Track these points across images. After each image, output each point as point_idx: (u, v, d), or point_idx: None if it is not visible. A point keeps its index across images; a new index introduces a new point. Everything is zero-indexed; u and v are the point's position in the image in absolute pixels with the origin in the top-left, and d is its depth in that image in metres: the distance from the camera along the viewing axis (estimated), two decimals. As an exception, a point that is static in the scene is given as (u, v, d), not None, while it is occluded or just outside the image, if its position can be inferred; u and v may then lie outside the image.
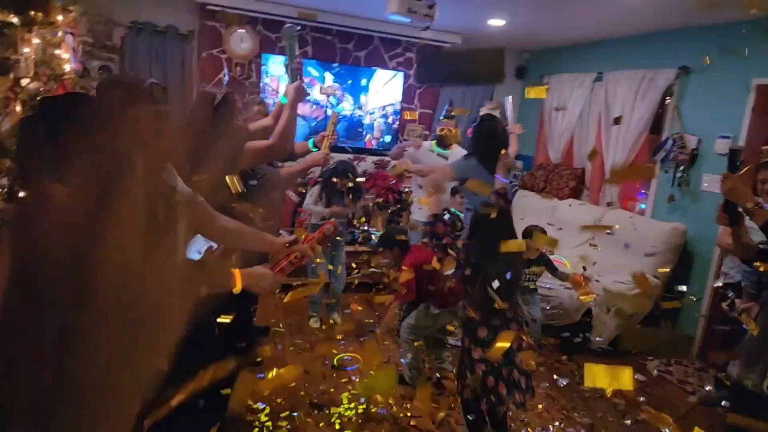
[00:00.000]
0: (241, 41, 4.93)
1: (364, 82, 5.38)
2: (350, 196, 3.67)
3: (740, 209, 2.05)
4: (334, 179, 3.50)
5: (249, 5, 4.71)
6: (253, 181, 2.22)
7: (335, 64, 5.27)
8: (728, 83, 3.68)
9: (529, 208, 5.35)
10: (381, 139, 5.56)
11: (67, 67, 2.32)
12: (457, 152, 3.69)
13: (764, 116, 3.47)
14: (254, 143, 2.09)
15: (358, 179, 3.79)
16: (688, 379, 3.54)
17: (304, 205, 3.79)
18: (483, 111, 3.94)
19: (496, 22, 4.57)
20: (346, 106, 5.37)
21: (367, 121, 5.49)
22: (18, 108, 2.12)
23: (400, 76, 5.50)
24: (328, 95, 5.05)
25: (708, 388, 3.34)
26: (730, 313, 2.99)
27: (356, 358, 3.34)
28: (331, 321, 3.87)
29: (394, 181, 5.26)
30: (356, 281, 4.18)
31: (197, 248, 1.42)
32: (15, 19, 2.05)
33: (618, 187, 4.61)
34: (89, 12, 2.47)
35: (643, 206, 4.45)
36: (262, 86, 5.06)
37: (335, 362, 3.31)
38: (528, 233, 3.22)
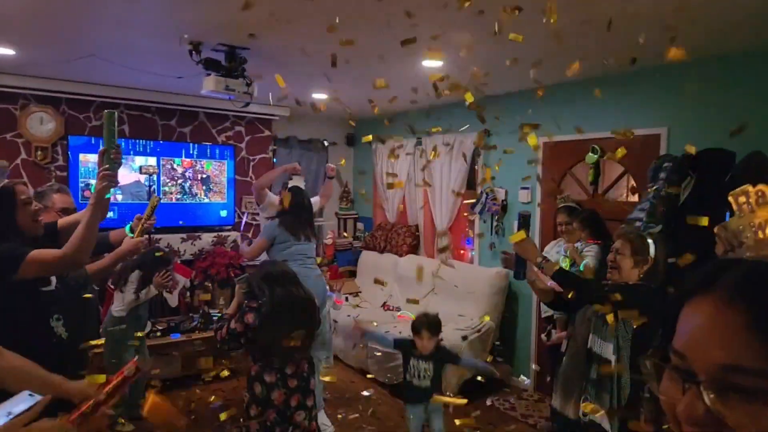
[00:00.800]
0: (41, 123, 4.42)
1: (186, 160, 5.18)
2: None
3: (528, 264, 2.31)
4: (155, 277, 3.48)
5: (51, 86, 4.30)
6: (48, 287, 1.90)
7: (153, 142, 4.99)
8: (521, 143, 4.34)
9: (373, 266, 5.59)
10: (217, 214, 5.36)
11: None
12: None
13: (552, 167, 4.14)
14: (42, 252, 1.74)
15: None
16: (530, 412, 3.87)
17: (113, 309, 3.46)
18: (291, 184, 4.21)
19: (320, 96, 4.84)
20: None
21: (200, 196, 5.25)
22: None
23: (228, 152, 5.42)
24: (149, 174, 4.74)
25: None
26: (547, 342, 3.44)
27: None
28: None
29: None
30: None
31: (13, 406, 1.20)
32: None
33: (447, 239, 5.08)
34: None
35: (473, 253, 4.96)
36: (72, 170, 4.55)
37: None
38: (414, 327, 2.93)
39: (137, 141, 4.88)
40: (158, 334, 4.20)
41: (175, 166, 5.09)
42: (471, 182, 4.90)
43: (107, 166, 1.82)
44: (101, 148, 1.86)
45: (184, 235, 5.02)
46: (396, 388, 3.88)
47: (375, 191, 6.07)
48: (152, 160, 4.93)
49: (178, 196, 5.12)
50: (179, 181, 5.12)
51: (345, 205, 6.52)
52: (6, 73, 4.10)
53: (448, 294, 4.58)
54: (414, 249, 5.45)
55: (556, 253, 3.47)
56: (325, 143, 6.29)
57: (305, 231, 3.65)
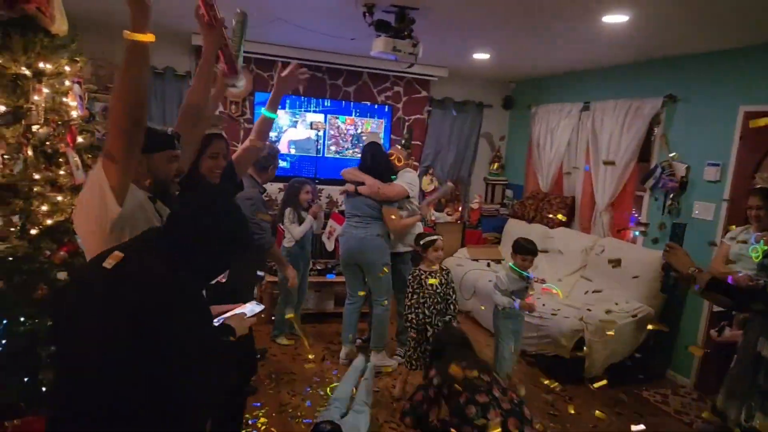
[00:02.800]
0: (238, 82, 5.02)
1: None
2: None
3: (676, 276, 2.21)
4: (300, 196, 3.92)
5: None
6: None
7: (322, 100, 5.40)
8: (715, 111, 3.78)
9: (519, 235, 5.44)
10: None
11: (74, 114, 2.36)
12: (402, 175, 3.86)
13: (752, 143, 3.54)
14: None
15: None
16: (686, 409, 3.55)
17: (284, 225, 3.97)
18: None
19: (481, 56, 4.74)
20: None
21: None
22: (30, 152, 2.16)
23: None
24: (318, 130, 5.16)
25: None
26: (717, 338, 3.06)
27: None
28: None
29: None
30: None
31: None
32: (27, 71, 2.10)
33: (609, 215, 4.72)
34: (93, 57, 2.52)
35: (636, 233, 4.54)
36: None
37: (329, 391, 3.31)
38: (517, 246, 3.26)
39: (309, 99, 5.33)
40: (315, 272, 4.68)
41: (339, 123, 5.49)
42: (645, 154, 4.44)
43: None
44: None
45: (341, 188, 5.43)
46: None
47: (529, 157, 5.83)
48: (320, 117, 5.36)
49: (340, 151, 5.52)
50: (342, 137, 5.52)
51: (495, 171, 6.39)
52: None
53: (602, 273, 4.31)
54: (567, 222, 5.17)
55: (743, 241, 3.03)
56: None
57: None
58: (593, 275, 4.43)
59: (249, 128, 5.14)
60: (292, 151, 5.36)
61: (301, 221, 3.92)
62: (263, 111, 2.35)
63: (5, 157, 2.10)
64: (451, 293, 3.27)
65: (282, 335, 4.12)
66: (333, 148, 5.53)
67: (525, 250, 3.20)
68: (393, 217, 3.61)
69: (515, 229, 5.57)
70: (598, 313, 3.79)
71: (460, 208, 5.96)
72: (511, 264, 3.26)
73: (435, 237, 3.31)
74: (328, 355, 3.93)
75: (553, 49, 4.27)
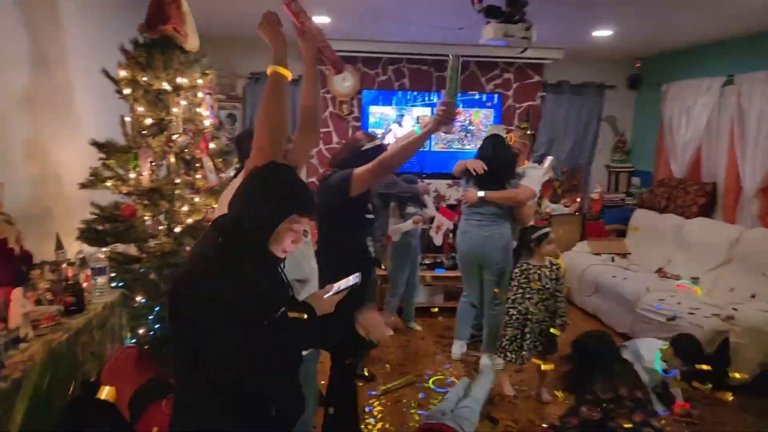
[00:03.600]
0: (343, 80, 5.21)
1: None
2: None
3: None
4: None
5: (350, 47, 4.98)
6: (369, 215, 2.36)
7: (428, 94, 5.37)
8: None
9: (649, 228, 4.98)
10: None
11: (206, 122, 2.61)
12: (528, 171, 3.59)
13: None
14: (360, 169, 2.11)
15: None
16: None
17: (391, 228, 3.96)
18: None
19: (603, 33, 4.38)
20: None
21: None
22: (172, 159, 2.43)
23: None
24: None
25: None
26: None
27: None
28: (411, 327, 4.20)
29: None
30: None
31: None
32: (168, 86, 2.36)
33: (758, 203, 4.12)
34: (216, 68, 2.76)
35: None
36: (364, 121, 5.29)
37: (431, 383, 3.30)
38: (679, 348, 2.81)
39: (415, 93, 5.34)
40: (424, 267, 4.70)
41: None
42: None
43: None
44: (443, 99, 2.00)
45: (449, 182, 5.38)
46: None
47: (661, 142, 5.29)
48: (427, 111, 5.34)
49: (446, 144, 5.46)
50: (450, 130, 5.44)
51: (619, 157, 5.89)
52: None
53: (751, 268, 3.78)
54: (707, 211, 4.61)
55: None
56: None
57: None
58: (740, 271, 3.90)
59: (356, 126, 5.30)
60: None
61: (404, 217, 3.91)
62: (417, 129, 2.50)
63: (152, 164, 2.39)
64: (561, 290, 3.08)
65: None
66: (440, 141, 5.47)
67: (688, 358, 2.73)
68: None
69: (644, 219, 5.09)
70: (746, 314, 3.34)
71: (578, 199, 5.59)
72: (659, 354, 2.85)
73: (547, 229, 3.12)
74: (439, 349, 3.93)
75: (690, 18, 3.80)
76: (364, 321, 1.59)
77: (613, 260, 4.82)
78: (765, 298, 3.52)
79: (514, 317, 3.08)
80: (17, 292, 1.70)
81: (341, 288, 1.46)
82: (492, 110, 5.47)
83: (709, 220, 4.49)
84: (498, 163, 3.38)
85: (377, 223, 3.68)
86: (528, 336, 3.04)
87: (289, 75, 1.58)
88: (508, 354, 3.10)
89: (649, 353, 2.89)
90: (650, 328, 3.73)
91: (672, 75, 5.14)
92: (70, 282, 1.93)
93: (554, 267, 3.10)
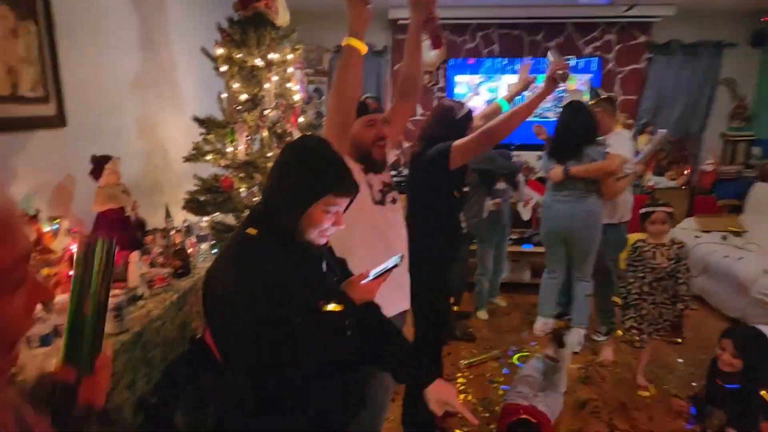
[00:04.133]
0: (428, 49, 5.08)
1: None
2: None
3: None
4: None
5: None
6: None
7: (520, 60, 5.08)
8: None
9: (770, 203, 4.45)
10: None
11: (296, 97, 2.69)
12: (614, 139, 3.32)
13: None
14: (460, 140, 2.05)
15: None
16: None
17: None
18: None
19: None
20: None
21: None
22: (265, 133, 2.54)
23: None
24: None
25: None
26: None
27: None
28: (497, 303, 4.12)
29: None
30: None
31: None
32: (261, 62, 2.45)
33: None
34: (303, 42, 2.81)
35: None
36: (449, 91, 5.16)
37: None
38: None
39: (505, 60, 5.10)
40: (511, 242, 4.55)
41: (536, 85, 5.11)
42: None
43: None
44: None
45: (539, 153, 5.10)
46: None
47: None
48: (517, 78, 5.08)
49: (541, 112, 5.16)
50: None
51: (737, 125, 5.27)
52: (401, 6, 4.83)
53: None
54: None
55: None
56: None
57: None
58: None
59: (441, 96, 5.18)
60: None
61: (492, 194, 3.77)
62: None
63: (248, 138, 2.51)
64: (683, 272, 2.81)
65: (483, 309, 4.00)
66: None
67: None
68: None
69: (765, 194, 4.54)
70: None
71: (686, 171, 5.10)
72: None
73: (652, 209, 2.87)
74: (525, 326, 3.83)
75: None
76: (434, 394, 1.28)
77: (725, 239, 4.37)
78: None
79: (628, 298, 2.93)
80: (135, 255, 1.90)
81: (381, 271, 1.28)
82: (590, 75, 5.09)
83: None
84: (576, 126, 3.16)
85: (474, 199, 3.61)
86: (645, 318, 2.86)
87: (363, 48, 1.57)
88: (627, 335, 2.96)
89: None
90: (766, 313, 3.36)
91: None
92: (177, 248, 2.12)
93: (675, 246, 2.84)
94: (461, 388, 2.98)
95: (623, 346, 3.12)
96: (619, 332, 3.06)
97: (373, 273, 1.27)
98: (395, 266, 1.28)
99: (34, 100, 1.95)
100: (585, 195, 3.20)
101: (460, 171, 2.14)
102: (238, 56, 2.45)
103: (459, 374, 3.13)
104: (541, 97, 1.97)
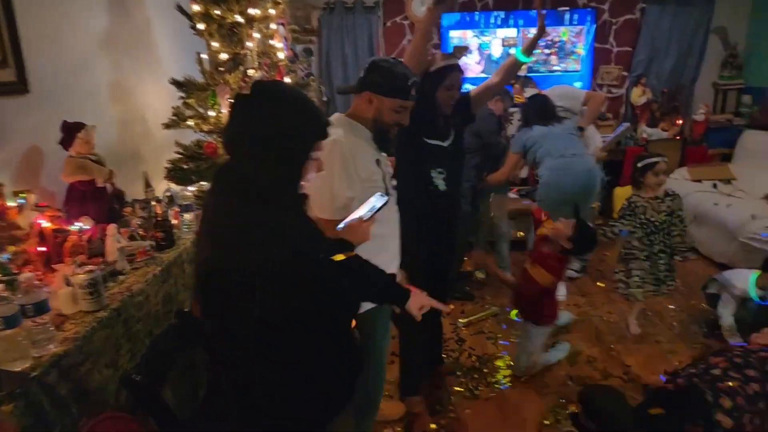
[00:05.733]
0: (421, 4, 4.88)
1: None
2: None
3: None
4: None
5: (426, -37, 4.60)
6: (436, 141, 2.15)
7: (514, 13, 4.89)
8: None
9: (759, 150, 4.42)
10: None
11: (280, 55, 2.53)
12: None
13: None
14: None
15: None
16: None
17: None
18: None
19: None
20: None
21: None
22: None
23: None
24: (509, 46, 4.69)
25: None
26: None
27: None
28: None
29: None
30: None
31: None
32: (241, 18, 2.28)
33: None
34: (291, 0, 2.63)
35: None
36: (444, 48, 4.97)
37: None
38: None
39: (498, 13, 4.89)
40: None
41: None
42: None
43: None
44: None
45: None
46: None
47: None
48: (513, 32, 4.90)
49: (532, 67, 5.00)
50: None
51: (728, 73, 5.16)
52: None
53: None
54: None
55: None
56: None
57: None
58: None
59: (435, 53, 4.99)
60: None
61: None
62: (517, 52, 2.24)
63: (230, 100, 2.37)
64: (677, 223, 2.78)
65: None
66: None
67: None
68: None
69: (754, 141, 4.54)
70: None
71: (679, 122, 5.02)
72: (754, 277, 2.67)
73: (655, 159, 2.79)
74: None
75: None
76: (413, 304, 1.36)
77: (715, 186, 4.36)
78: None
79: (622, 253, 2.92)
80: (112, 228, 1.78)
81: (368, 211, 1.34)
82: (584, 26, 4.91)
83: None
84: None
85: (475, 162, 3.30)
86: (635, 273, 2.85)
87: None
88: (620, 289, 2.96)
89: (741, 281, 2.74)
90: (753, 257, 3.36)
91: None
92: (159, 219, 2.00)
93: (668, 199, 2.79)
94: (460, 345, 2.98)
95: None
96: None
97: (361, 214, 1.34)
98: (384, 205, 1.33)
99: (-10, 64, 1.79)
100: (585, 150, 3.30)
101: (427, 117, 2.05)
102: (216, 12, 2.28)
103: (459, 331, 3.13)
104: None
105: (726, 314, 2.83)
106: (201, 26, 2.32)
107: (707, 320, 3.09)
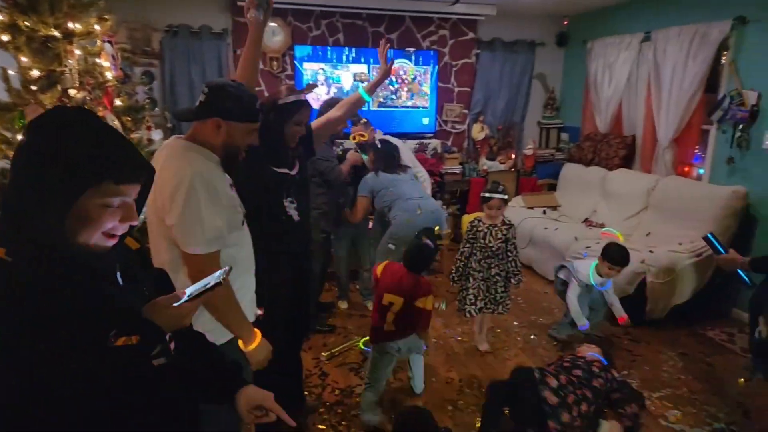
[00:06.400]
0: (273, 35, 4.96)
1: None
2: None
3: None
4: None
5: (279, -2, 4.73)
6: (284, 170, 2.10)
7: (365, 50, 5.22)
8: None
9: (576, 180, 5.18)
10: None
11: (108, 75, 2.41)
12: None
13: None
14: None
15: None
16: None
17: None
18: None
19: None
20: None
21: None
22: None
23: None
24: (361, 81, 4.96)
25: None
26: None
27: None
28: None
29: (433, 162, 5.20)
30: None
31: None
32: (57, 32, 2.15)
33: (671, 152, 4.36)
34: (126, 20, 2.54)
35: (701, 171, 4.20)
36: (298, 78, 5.09)
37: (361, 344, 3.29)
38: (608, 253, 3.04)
39: (351, 48, 5.18)
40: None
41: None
42: (712, 85, 4.02)
43: None
44: None
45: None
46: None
47: (587, 97, 5.43)
48: (363, 68, 5.21)
49: (382, 101, 5.36)
50: (385, 87, 5.33)
51: (549, 114, 6.03)
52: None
53: (665, 213, 4.03)
54: (627, 162, 4.83)
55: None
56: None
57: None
58: (656, 216, 4.15)
59: (290, 84, 5.10)
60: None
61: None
62: (360, 89, 2.36)
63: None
64: (512, 250, 3.09)
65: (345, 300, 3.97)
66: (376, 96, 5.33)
67: (615, 260, 2.99)
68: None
69: (572, 173, 5.29)
70: (660, 255, 3.56)
71: (513, 156, 5.71)
72: (593, 265, 3.09)
73: (490, 195, 3.03)
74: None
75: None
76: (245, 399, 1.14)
77: (545, 213, 4.99)
78: (675, 239, 3.75)
79: (458, 271, 3.14)
80: None
81: (200, 289, 1.02)
82: (429, 67, 5.40)
83: (629, 171, 4.72)
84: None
85: (322, 190, 3.37)
86: (470, 291, 3.08)
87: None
88: (459, 306, 3.17)
89: (584, 268, 3.13)
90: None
91: (596, 32, 5.26)
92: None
93: (505, 228, 3.07)
94: (323, 380, 2.92)
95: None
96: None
97: (189, 291, 1.02)
98: (218, 284, 1.02)
99: None
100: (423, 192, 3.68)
101: (274, 144, 2.05)
102: (25, 24, 2.11)
103: (322, 366, 3.08)
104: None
105: (572, 300, 3.12)
106: (5, 38, 2.11)
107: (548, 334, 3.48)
